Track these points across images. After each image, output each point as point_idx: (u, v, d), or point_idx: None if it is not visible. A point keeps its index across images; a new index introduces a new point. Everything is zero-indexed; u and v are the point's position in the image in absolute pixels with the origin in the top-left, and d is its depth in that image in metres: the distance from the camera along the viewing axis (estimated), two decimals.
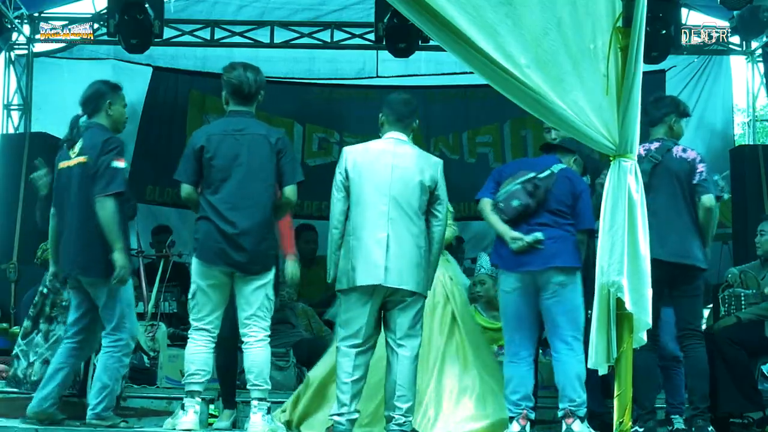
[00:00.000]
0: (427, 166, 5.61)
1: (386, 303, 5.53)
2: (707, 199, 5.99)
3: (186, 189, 5.71)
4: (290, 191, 5.69)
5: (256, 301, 5.63)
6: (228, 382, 6.21)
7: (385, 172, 5.54)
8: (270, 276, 5.69)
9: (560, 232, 5.71)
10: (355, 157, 5.61)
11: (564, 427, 5.58)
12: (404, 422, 5.46)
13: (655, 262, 5.61)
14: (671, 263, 5.82)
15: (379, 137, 5.77)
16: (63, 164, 5.89)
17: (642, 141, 6.08)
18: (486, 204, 5.87)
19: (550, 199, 5.73)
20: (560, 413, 5.64)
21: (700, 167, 6.04)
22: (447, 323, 6.19)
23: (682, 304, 6.02)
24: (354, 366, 5.49)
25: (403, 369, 5.48)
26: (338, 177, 5.59)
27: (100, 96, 6.02)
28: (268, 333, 5.69)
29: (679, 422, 6.09)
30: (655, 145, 6.05)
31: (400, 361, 5.48)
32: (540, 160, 5.98)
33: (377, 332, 5.58)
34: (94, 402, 5.78)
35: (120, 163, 5.82)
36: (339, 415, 5.49)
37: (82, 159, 5.80)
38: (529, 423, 5.66)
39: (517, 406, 5.64)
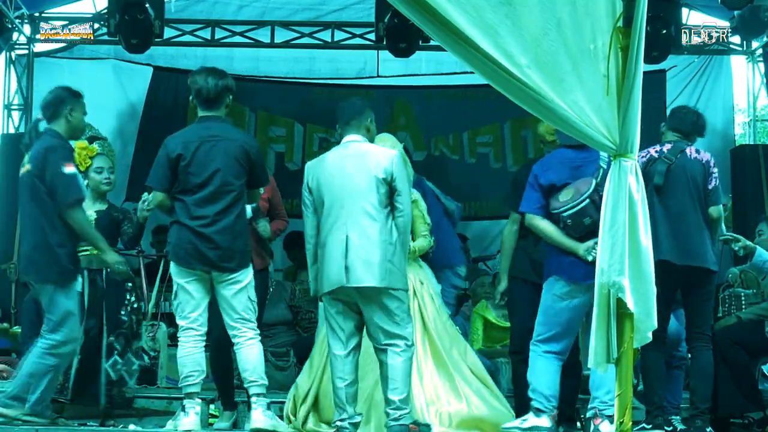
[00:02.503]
0: (382, 160, 5.60)
1: (362, 304, 5.52)
2: (715, 211, 6.04)
3: (159, 196, 5.77)
4: (255, 194, 5.96)
5: (239, 305, 5.70)
6: (226, 383, 6.23)
7: (338, 177, 5.58)
8: (248, 276, 5.73)
9: None
10: (313, 170, 5.68)
11: (592, 427, 5.58)
12: (400, 415, 5.45)
13: (670, 264, 5.63)
14: (686, 266, 5.83)
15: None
16: (21, 170, 5.98)
17: (653, 143, 6.12)
18: (537, 220, 5.71)
19: None
20: (589, 413, 5.65)
21: (714, 171, 6.08)
22: (418, 336, 6.09)
23: (693, 308, 6.05)
24: (344, 371, 5.51)
25: (393, 363, 5.48)
26: (304, 194, 5.68)
27: (61, 102, 6.02)
28: (257, 331, 5.72)
29: (677, 422, 6.09)
30: (667, 146, 6.07)
31: (390, 356, 5.48)
32: (581, 155, 5.72)
33: (359, 332, 5.60)
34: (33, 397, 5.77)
35: (69, 168, 5.84)
36: (341, 420, 5.51)
37: (28, 167, 5.89)
38: (555, 424, 5.65)
39: (548, 402, 5.62)
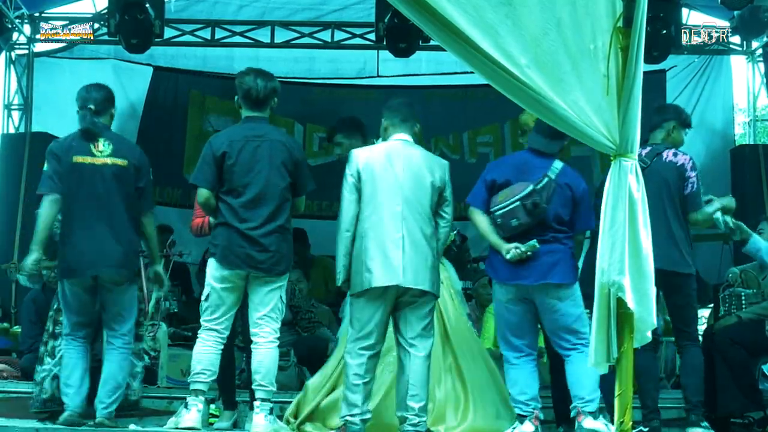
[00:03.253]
0: (437, 167, 5.64)
1: (397, 303, 5.53)
2: (695, 215, 6.02)
3: (204, 194, 5.72)
4: (300, 201, 5.89)
5: (271, 302, 5.70)
6: (227, 382, 6.23)
7: (397, 173, 5.55)
8: (285, 279, 5.78)
9: (558, 246, 5.68)
10: (366, 158, 5.60)
11: (576, 425, 5.60)
12: (418, 422, 5.46)
13: None
14: (656, 269, 5.82)
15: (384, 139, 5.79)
16: (100, 160, 5.92)
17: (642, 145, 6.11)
18: (477, 214, 5.81)
19: (548, 214, 5.66)
20: (573, 413, 5.66)
21: (692, 175, 6.01)
22: (438, 340, 6.07)
23: (675, 313, 6.07)
24: (366, 369, 5.50)
25: (415, 368, 5.48)
26: (350, 179, 5.57)
27: (111, 100, 6.11)
28: (278, 335, 5.72)
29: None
30: (647, 150, 6.04)
31: (413, 361, 5.49)
32: (536, 161, 5.79)
33: (385, 334, 5.59)
34: (108, 401, 5.83)
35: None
36: (351, 415, 5.49)
37: (119, 161, 5.91)
38: (539, 424, 5.67)
39: (527, 406, 5.65)
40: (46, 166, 5.91)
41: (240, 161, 5.68)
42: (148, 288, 7.39)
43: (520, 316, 5.74)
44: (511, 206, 5.66)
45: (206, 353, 5.68)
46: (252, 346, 5.73)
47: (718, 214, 6.14)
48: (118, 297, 5.90)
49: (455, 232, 6.56)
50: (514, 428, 5.68)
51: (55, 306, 6.33)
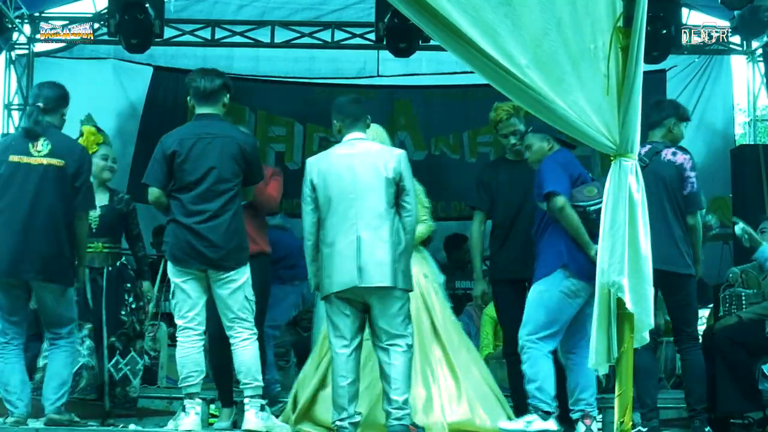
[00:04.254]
0: (390, 159, 5.61)
1: (367, 306, 5.54)
2: (690, 219, 6.01)
3: (155, 192, 5.73)
4: (249, 191, 5.90)
5: (235, 304, 5.68)
6: (224, 381, 6.22)
7: (347, 175, 5.57)
8: (244, 275, 5.71)
9: None
10: (318, 166, 5.64)
11: (584, 428, 5.59)
12: (402, 415, 5.46)
13: None
14: (655, 270, 5.81)
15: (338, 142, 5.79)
16: (36, 160, 5.85)
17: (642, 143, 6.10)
18: (569, 206, 5.66)
19: None
20: (576, 415, 5.64)
21: (691, 175, 6.00)
22: (427, 336, 6.11)
23: (675, 313, 6.05)
24: (347, 369, 5.51)
25: (396, 362, 5.48)
26: (305, 190, 5.63)
27: (64, 99, 6.02)
28: (254, 330, 5.71)
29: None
30: (646, 148, 6.03)
31: (392, 356, 5.49)
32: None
33: (362, 331, 5.60)
34: (54, 397, 5.79)
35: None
36: (341, 420, 5.50)
37: (56, 162, 5.82)
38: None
39: (554, 402, 5.61)
40: None
41: (190, 158, 5.67)
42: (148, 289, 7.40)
43: (575, 315, 5.70)
44: (600, 205, 5.60)
45: (188, 355, 5.66)
46: (231, 348, 5.73)
47: (740, 230, 6.20)
48: (54, 302, 5.84)
49: (433, 223, 6.49)
50: (530, 422, 5.61)
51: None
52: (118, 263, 6.76)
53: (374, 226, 5.49)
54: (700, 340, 6.30)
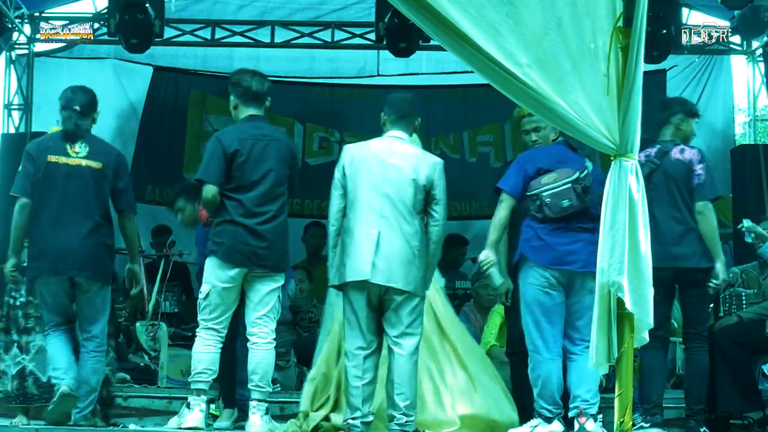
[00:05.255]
0: (424, 166, 5.60)
1: (382, 303, 5.52)
2: (699, 206, 5.99)
3: (212, 190, 5.73)
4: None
5: (270, 302, 5.75)
6: (227, 381, 6.23)
7: (378, 170, 5.56)
8: (283, 279, 5.84)
9: (596, 238, 5.67)
10: (352, 154, 5.63)
11: (577, 426, 5.58)
12: (405, 421, 5.45)
13: (659, 268, 5.61)
14: (674, 268, 5.82)
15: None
16: (75, 161, 5.95)
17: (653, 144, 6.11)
18: (507, 200, 5.74)
19: (592, 203, 5.65)
20: (572, 412, 5.64)
21: (699, 168, 6.01)
22: (432, 333, 6.09)
23: (689, 309, 6.04)
24: (363, 369, 5.48)
25: (399, 367, 5.47)
26: (336, 174, 5.62)
27: (95, 104, 6.20)
28: (275, 336, 5.74)
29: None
30: (655, 149, 6.04)
31: (396, 360, 5.48)
32: (571, 155, 5.83)
33: (380, 331, 5.57)
34: (82, 405, 5.85)
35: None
36: (353, 418, 5.49)
37: (94, 164, 5.95)
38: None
39: (557, 406, 5.59)
40: (21, 167, 5.92)
41: (251, 158, 5.71)
42: (148, 288, 7.42)
43: (555, 303, 5.67)
44: (562, 187, 5.64)
45: (207, 352, 5.68)
46: (249, 345, 5.73)
47: (746, 227, 6.20)
48: (91, 298, 5.90)
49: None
50: (535, 426, 5.60)
51: (23, 300, 6.30)
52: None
53: (396, 226, 5.48)
54: (707, 342, 6.28)
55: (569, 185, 5.62)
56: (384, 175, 5.54)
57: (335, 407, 6.02)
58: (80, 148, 5.91)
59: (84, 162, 5.89)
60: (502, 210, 5.77)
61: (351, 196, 5.55)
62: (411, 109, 5.80)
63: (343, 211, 5.57)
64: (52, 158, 5.89)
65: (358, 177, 5.55)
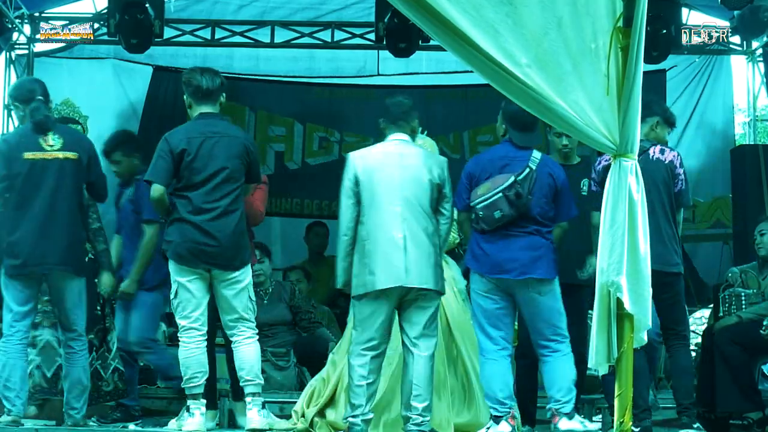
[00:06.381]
0: (434, 164, 5.64)
1: (402, 303, 5.53)
2: (679, 216, 6.03)
3: (159, 189, 5.70)
4: (248, 188, 5.94)
5: (240, 305, 5.71)
6: (209, 382, 6.21)
7: (395, 174, 5.56)
8: (248, 275, 5.75)
9: (541, 241, 5.66)
10: (363, 161, 5.63)
11: (552, 427, 5.60)
12: (422, 422, 5.46)
13: None
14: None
15: (381, 141, 5.80)
16: (50, 155, 5.95)
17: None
18: (466, 218, 5.81)
19: (532, 205, 5.64)
20: (548, 414, 5.66)
21: (680, 172, 6.00)
22: (441, 334, 6.06)
23: (664, 311, 5.98)
24: (369, 370, 5.48)
25: (419, 368, 5.47)
26: (347, 184, 5.59)
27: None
28: (256, 330, 5.72)
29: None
30: None
31: (416, 361, 5.48)
32: (516, 154, 5.77)
33: (389, 335, 5.58)
34: (78, 405, 5.87)
35: None
36: (354, 416, 5.49)
37: (70, 155, 5.96)
38: (517, 422, 5.65)
39: (503, 405, 5.60)
40: None
41: (199, 157, 5.68)
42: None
43: (500, 309, 5.70)
44: (494, 198, 5.62)
45: (194, 355, 5.66)
46: (232, 346, 5.73)
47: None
48: (67, 292, 5.90)
49: (459, 241, 6.51)
50: (488, 428, 5.63)
51: None
52: (86, 258, 6.74)
53: (420, 226, 5.50)
54: (689, 340, 6.28)
55: (500, 195, 5.60)
56: (402, 178, 5.55)
57: (329, 403, 6.05)
58: (54, 140, 5.88)
59: (61, 154, 5.87)
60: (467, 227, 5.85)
61: (367, 203, 5.54)
62: (407, 112, 5.81)
63: (356, 220, 5.56)
64: (29, 155, 5.85)
65: (373, 182, 5.55)
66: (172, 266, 5.72)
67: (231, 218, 5.68)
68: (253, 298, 5.77)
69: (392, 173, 5.56)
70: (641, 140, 6.00)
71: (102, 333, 6.60)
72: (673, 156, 6.02)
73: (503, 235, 5.64)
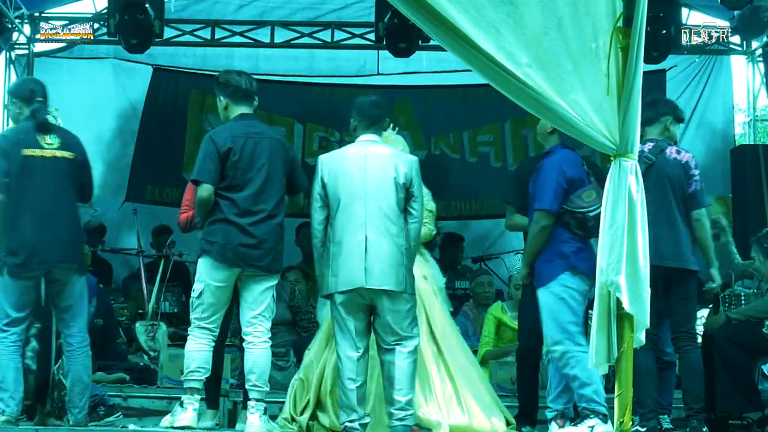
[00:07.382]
0: (401, 164, 5.64)
1: (374, 308, 5.53)
2: (695, 214, 5.98)
3: (209, 189, 5.70)
4: (299, 198, 5.99)
5: (264, 301, 5.73)
6: (212, 381, 6.21)
7: (358, 176, 5.58)
8: (278, 278, 5.83)
9: None
10: (329, 165, 5.67)
11: (556, 428, 5.61)
12: (404, 416, 5.47)
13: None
14: (662, 267, 5.79)
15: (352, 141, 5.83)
16: (49, 152, 5.94)
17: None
18: (551, 222, 5.66)
19: None
20: (551, 414, 5.65)
21: (695, 173, 5.99)
22: (423, 337, 6.01)
23: (675, 308, 5.97)
24: (357, 372, 5.50)
25: (400, 364, 5.48)
26: (315, 188, 5.66)
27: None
28: (270, 335, 5.73)
29: (666, 422, 6.07)
30: (649, 145, 6.01)
31: (397, 357, 5.48)
32: (578, 156, 5.85)
33: (369, 334, 5.59)
34: (81, 404, 5.84)
35: None
36: (350, 421, 5.50)
37: (67, 155, 5.96)
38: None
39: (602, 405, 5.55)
40: None
41: (244, 157, 5.70)
42: (148, 289, 7.41)
43: (583, 309, 5.69)
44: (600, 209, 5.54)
45: (199, 351, 5.68)
46: (245, 345, 5.73)
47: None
48: (69, 290, 5.89)
49: (435, 232, 6.50)
50: (591, 428, 5.52)
51: None
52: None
53: (383, 227, 5.50)
54: (699, 339, 6.28)
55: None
56: (365, 180, 5.56)
57: (318, 407, 6.03)
58: (52, 140, 5.91)
59: (58, 153, 5.89)
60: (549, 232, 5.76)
61: (333, 206, 5.58)
62: (379, 112, 5.84)
63: (325, 223, 5.61)
64: (27, 152, 5.86)
65: (337, 185, 5.58)
66: (206, 265, 5.71)
67: (276, 222, 5.74)
68: (275, 300, 5.83)
69: (356, 175, 5.58)
70: (658, 139, 6.06)
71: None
72: (689, 157, 6.03)
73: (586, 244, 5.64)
